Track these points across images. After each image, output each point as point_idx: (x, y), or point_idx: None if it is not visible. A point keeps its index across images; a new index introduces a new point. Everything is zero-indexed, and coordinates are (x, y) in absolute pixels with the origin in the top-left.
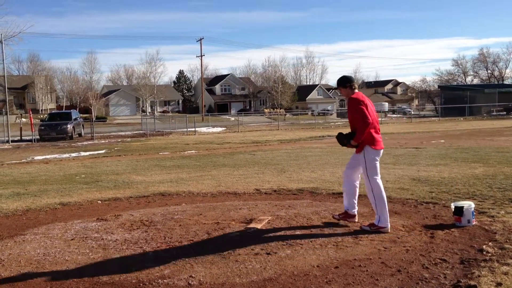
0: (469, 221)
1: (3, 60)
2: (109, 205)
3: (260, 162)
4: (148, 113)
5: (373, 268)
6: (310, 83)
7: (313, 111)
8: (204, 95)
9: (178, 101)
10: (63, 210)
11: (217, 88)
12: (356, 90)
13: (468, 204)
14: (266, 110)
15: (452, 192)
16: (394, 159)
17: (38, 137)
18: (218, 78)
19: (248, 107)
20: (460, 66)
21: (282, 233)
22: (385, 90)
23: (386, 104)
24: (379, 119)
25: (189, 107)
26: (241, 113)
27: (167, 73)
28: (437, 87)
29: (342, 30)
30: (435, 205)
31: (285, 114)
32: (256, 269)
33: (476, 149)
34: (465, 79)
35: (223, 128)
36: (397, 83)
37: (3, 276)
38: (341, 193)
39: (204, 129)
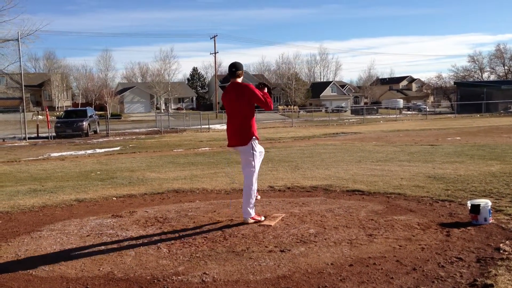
0: (485, 219)
1: (19, 58)
2: (124, 201)
3: (274, 159)
4: (162, 110)
5: (388, 266)
6: (324, 80)
7: (327, 108)
8: (218, 92)
9: (192, 98)
10: (79, 207)
11: None
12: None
13: (485, 202)
14: (280, 107)
15: (468, 190)
16: (409, 156)
17: (54, 134)
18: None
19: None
20: (477, 62)
21: (295, 230)
22: (400, 87)
23: (401, 101)
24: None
25: (203, 104)
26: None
27: (181, 70)
28: (453, 83)
29: (355, 27)
30: (451, 203)
31: (299, 111)
32: (270, 266)
33: (492, 146)
34: (482, 75)
35: None
36: (412, 80)
37: (20, 272)
38: (356, 191)
39: (218, 126)
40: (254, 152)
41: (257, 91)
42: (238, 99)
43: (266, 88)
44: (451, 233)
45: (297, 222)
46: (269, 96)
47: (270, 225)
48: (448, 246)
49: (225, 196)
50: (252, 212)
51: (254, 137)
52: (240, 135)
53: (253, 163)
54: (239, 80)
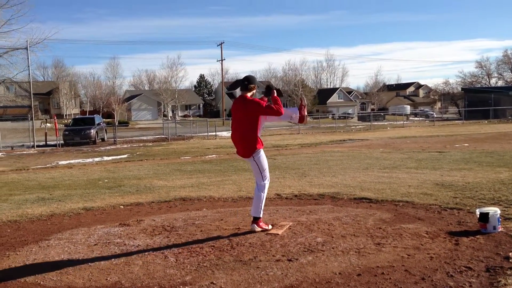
0: (494, 228)
1: (28, 66)
2: (131, 210)
3: (281, 166)
4: (169, 118)
5: (396, 276)
6: (331, 87)
7: (333, 114)
8: (224, 99)
9: (199, 105)
10: (87, 215)
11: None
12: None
13: (494, 210)
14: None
15: (477, 198)
16: (416, 163)
17: (62, 142)
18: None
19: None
20: (484, 68)
21: (303, 239)
22: (407, 93)
23: (408, 107)
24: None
25: (210, 111)
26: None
27: (188, 78)
28: (460, 89)
29: (362, 33)
30: (460, 211)
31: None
32: (278, 275)
33: (501, 153)
34: (489, 81)
35: None
36: (419, 86)
37: (28, 281)
38: (363, 198)
39: (225, 133)
40: (258, 163)
41: (263, 104)
42: (243, 113)
43: (275, 92)
44: (460, 242)
45: (305, 230)
46: (279, 100)
47: (278, 234)
48: (457, 255)
49: (232, 204)
50: (261, 213)
51: (257, 150)
52: (244, 147)
53: (261, 174)
54: (249, 94)
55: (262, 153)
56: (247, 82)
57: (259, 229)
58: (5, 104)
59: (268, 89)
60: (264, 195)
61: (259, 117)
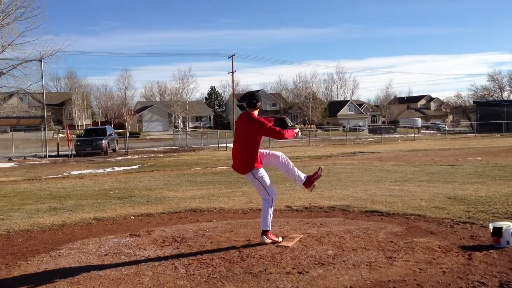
0: (508, 242)
1: (42, 77)
2: (141, 220)
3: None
4: (180, 129)
5: None
6: (341, 99)
7: (344, 127)
8: (235, 111)
9: (210, 117)
10: (98, 225)
11: None
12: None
13: (507, 225)
14: (297, 126)
15: (490, 212)
16: (428, 177)
17: (74, 152)
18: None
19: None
20: (496, 81)
21: (313, 251)
22: (418, 106)
23: (419, 120)
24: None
25: (221, 122)
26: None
27: (199, 89)
28: (472, 102)
29: (373, 46)
30: (472, 225)
31: (316, 130)
32: None
33: None
34: (502, 94)
35: None
36: (430, 99)
37: None
38: (375, 211)
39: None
40: (261, 180)
41: (267, 124)
42: (246, 130)
43: (282, 123)
44: (473, 257)
45: (315, 243)
46: (284, 128)
47: (288, 246)
48: (470, 270)
49: (242, 215)
50: (270, 225)
51: (255, 169)
52: (242, 163)
53: (265, 190)
54: (256, 112)
55: (262, 170)
56: (254, 100)
57: (269, 240)
58: (18, 115)
59: (282, 122)
60: (271, 208)
61: (260, 136)
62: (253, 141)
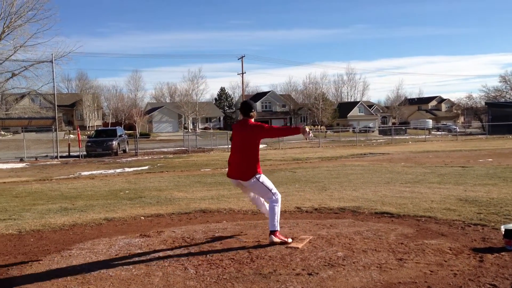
0: None
1: (53, 78)
2: (151, 221)
3: (301, 179)
4: (190, 130)
5: None
6: (351, 100)
7: (354, 128)
8: None
9: (219, 118)
10: (108, 226)
11: (258, 105)
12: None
13: None
14: (307, 127)
15: (501, 214)
16: (439, 178)
17: (85, 153)
18: (259, 95)
19: (288, 124)
20: (508, 82)
21: (323, 253)
22: (429, 107)
23: (430, 121)
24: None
25: (230, 123)
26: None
27: (209, 90)
28: (484, 103)
29: (383, 47)
30: (484, 227)
31: (326, 131)
32: None
33: None
34: None
35: (264, 145)
36: (441, 100)
37: None
38: (385, 213)
39: None
40: (265, 184)
41: (266, 126)
42: (248, 136)
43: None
44: (485, 259)
45: (325, 244)
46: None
47: (298, 248)
48: (482, 272)
49: (252, 216)
50: (277, 226)
51: (258, 174)
52: (245, 169)
53: (270, 193)
54: (252, 120)
55: (263, 175)
56: (249, 110)
57: (278, 240)
58: (30, 116)
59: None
60: (278, 208)
61: (260, 140)
62: (255, 146)
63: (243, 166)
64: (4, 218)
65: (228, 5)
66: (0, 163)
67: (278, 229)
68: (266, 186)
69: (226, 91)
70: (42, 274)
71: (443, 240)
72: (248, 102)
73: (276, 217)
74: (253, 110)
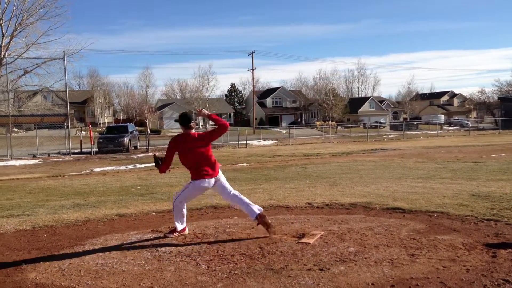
0: None
1: (65, 76)
2: (163, 217)
3: (311, 175)
4: (200, 126)
5: None
6: (362, 96)
7: (365, 123)
8: (255, 108)
9: (230, 114)
10: (120, 221)
11: (268, 101)
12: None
13: None
14: (317, 123)
15: None
16: (451, 174)
17: (96, 149)
18: (269, 91)
19: (299, 120)
20: None
21: (335, 248)
22: (441, 102)
23: (442, 116)
24: (435, 131)
25: (241, 120)
26: (292, 126)
27: (219, 87)
28: (496, 98)
29: (394, 42)
30: (497, 223)
31: (337, 127)
32: (309, 285)
33: None
34: None
35: (274, 141)
36: (453, 95)
37: (63, 285)
38: (396, 209)
39: (255, 142)
40: (223, 180)
41: (210, 131)
42: (203, 145)
43: (202, 113)
44: (498, 254)
45: (336, 240)
46: (213, 114)
47: (309, 243)
48: (495, 267)
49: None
50: (256, 211)
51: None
52: (214, 168)
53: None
54: (194, 130)
55: (193, 183)
56: (189, 121)
57: (263, 228)
58: (42, 113)
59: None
60: (242, 196)
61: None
62: (210, 150)
63: (210, 167)
64: (18, 214)
65: (238, 1)
66: (14, 159)
67: (177, 229)
68: (182, 190)
69: (236, 87)
70: (55, 269)
71: (455, 236)
72: (185, 115)
73: (248, 203)
74: (192, 121)
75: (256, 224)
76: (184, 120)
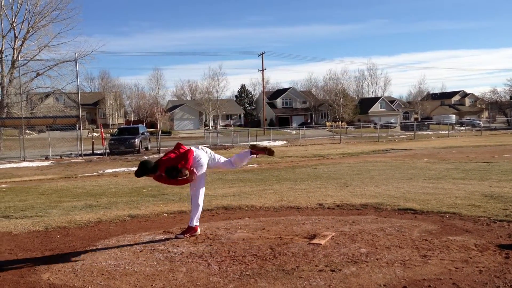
0: None
1: (77, 78)
2: (174, 218)
3: (322, 176)
4: (211, 127)
5: None
6: (373, 96)
7: (375, 124)
8: (265, 109)
9: (240, 115)
10: (132, 222)
11: (279, 101)
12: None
13: None
14: (327, 124)
15: None
16: (463, 174)
17: (108, 150)
18: (280, 92)
19: (309, 121)
20: None
21: (346, 249)
22: (452, 102)
23: (453, 116)
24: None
25: (251, 120)
26: (303, 127)
27: (229, 88)
28: (509, 98)
29: (405, 41)
30: (510, 224)
31: (347, 127)
32: (321, 286)
33: None
34: None
35: (285, 142)
36: (465, 95)
37: (76, 286)
38: (408, 209)
39: (265, 143)
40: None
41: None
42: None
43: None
44: (511, 255)
45: (348, 241)
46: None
47: (320, 244)
48: (508, 269)
49: (274, 213)
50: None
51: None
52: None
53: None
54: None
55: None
56: (152, 168)
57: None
58: (54, 114)
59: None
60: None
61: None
62: (173, 157)
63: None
64: (31, 215)
65: (247, 2)
66: (26, 161)
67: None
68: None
69: (246, 88)
70: (68, 270)
71: (468, 237)
72: (146, 163)
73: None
74: (149, 173)
75: (256, 157)
76: (143, 171)
